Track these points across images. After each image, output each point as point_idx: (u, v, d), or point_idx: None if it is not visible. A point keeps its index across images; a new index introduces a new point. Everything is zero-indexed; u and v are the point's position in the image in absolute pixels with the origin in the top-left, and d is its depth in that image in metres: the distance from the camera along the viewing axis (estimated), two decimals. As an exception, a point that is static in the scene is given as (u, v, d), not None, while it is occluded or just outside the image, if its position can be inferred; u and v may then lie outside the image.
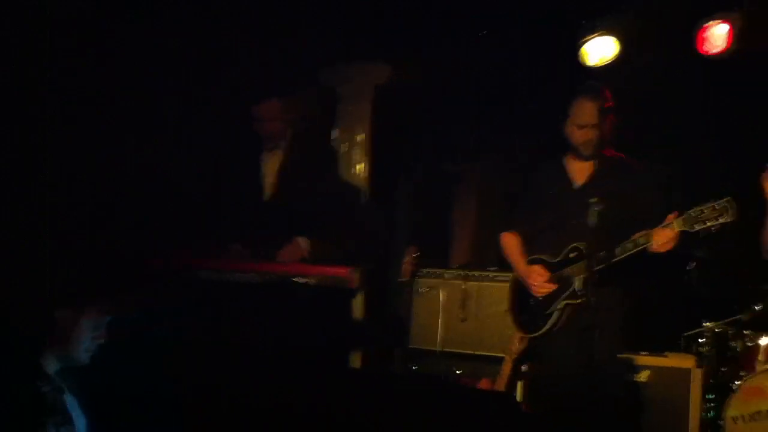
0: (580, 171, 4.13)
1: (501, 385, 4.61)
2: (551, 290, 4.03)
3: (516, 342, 4.56)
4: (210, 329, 3.94)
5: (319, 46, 5.28)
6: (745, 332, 4.58)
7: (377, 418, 3.35)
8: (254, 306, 4.03)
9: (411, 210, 5.82)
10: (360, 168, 5.60)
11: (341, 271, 4.04)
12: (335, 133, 5.66)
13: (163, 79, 4.53)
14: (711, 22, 4.86)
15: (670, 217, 3.73)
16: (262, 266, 4.13)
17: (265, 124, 4.41)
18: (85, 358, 2.93)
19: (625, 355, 4.49)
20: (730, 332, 4.69)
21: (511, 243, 4.27)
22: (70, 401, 2.86)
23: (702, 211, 3.62)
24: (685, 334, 4.87)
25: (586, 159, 4.09)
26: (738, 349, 4.56)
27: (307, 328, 3.92)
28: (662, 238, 3.71)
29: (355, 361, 5.23)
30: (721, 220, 3.57)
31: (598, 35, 4.94)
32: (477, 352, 5.17)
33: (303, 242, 4.26)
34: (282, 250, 4.24)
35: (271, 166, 4.48)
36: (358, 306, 5.32)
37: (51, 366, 2.87)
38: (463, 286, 5.27)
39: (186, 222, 4.51)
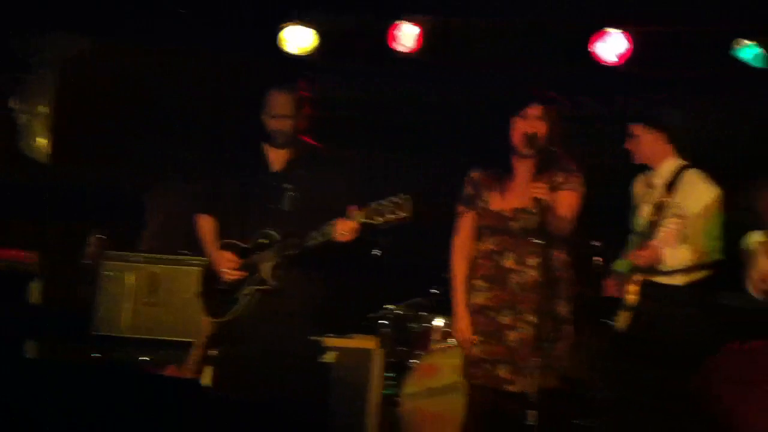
0: (277, 158, 4.18)
1: (188, 371, 4.54)
2: (240, 276, 4.04)
3: (206, 327, 4.51)
4: None
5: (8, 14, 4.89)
6: (421, 314, 4.91)
7: (58, 410, 3.16)
8: None
9: (98, 191, 5.56)
10: (41, 142, 5.23)
11: (18, 254, 3.75)
12: (14, 103, 5.24)
13: None
14: (400, 22, 5.12)
15: (353, 209, 3.86)
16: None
17: None
18: None
19: (314, 338, 4.62)
20: (409, 314, 5.00)
21: (205, 226, 4.22)
22: None
23: (382, 205, 3.79)
24: (370, 316, 5.12)
25: (280, 147, 4.14)
26: (416, 330, 4.87)
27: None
28: (344, 229, 3.84)
29: (32, 349, 4.91)
30: (399, 214, 3.77)
31: (297, 24, 5.02)
32: (166, 338, 5.05)
33: None
34: None
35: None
36: (36, 291, 4.99)
37: None
38: (153, 270, 5.13)
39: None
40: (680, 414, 4.03)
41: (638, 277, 4.05)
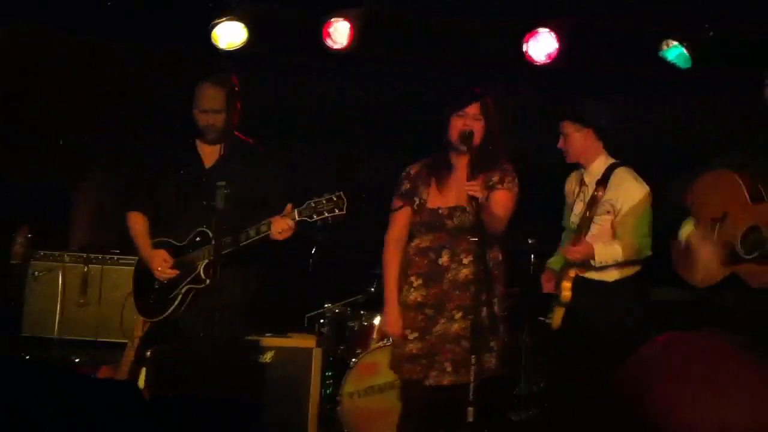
0: (209, 154, 4.12)
1: (123, 373, 4.46)
2: (175, 274, 3.98)
3: (139, 327, 4.44)
4: None
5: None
6: (361, 312, 4.91)
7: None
8: None
9: (26, 187, 5.41)
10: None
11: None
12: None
13: None
14: (334, 19, 5.11)
15: (289, 207, 3.83)
16: None
17: None
18: None
19: (251, 337, 4.59)
20: (348, 312, 5.00)
21: (137, 224, 4.14)
22: None
23: (318, 202, 3.78)
24: (308, 314, 5.10)
25: (211, 142, 4.09)
26: (355, 329, 4.87)
27: None
28: (281, 227, 3.81)
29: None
30: (335, 211, 3.76)
31: (228, 20, 4.98)
32: (99, 339, 4.96)
33: None
34: None
35: None
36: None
37: None
38: (84, 269, 5.02)
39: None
40: (613, 408, 4.11)
41: (572, 272, 4.12)
